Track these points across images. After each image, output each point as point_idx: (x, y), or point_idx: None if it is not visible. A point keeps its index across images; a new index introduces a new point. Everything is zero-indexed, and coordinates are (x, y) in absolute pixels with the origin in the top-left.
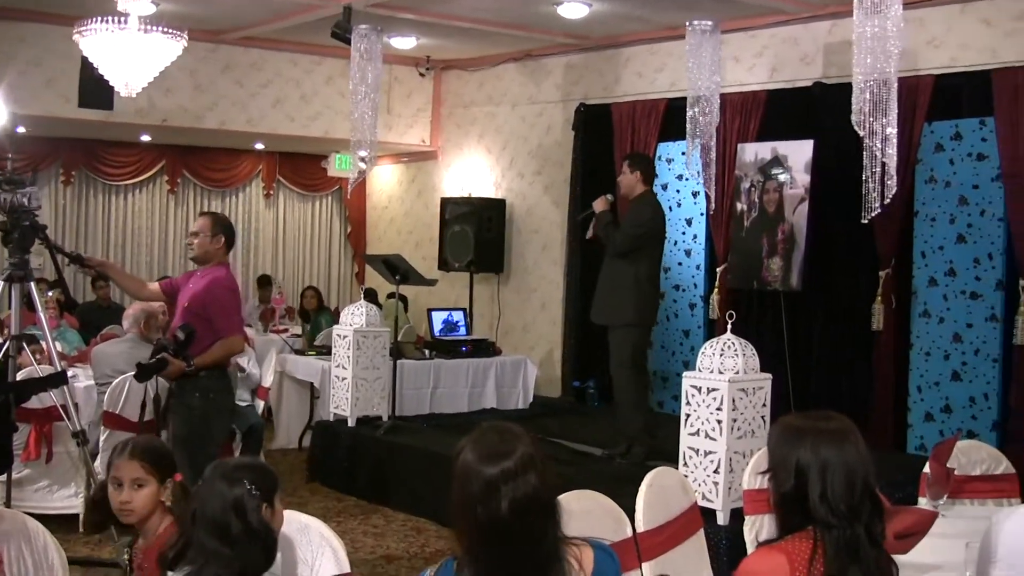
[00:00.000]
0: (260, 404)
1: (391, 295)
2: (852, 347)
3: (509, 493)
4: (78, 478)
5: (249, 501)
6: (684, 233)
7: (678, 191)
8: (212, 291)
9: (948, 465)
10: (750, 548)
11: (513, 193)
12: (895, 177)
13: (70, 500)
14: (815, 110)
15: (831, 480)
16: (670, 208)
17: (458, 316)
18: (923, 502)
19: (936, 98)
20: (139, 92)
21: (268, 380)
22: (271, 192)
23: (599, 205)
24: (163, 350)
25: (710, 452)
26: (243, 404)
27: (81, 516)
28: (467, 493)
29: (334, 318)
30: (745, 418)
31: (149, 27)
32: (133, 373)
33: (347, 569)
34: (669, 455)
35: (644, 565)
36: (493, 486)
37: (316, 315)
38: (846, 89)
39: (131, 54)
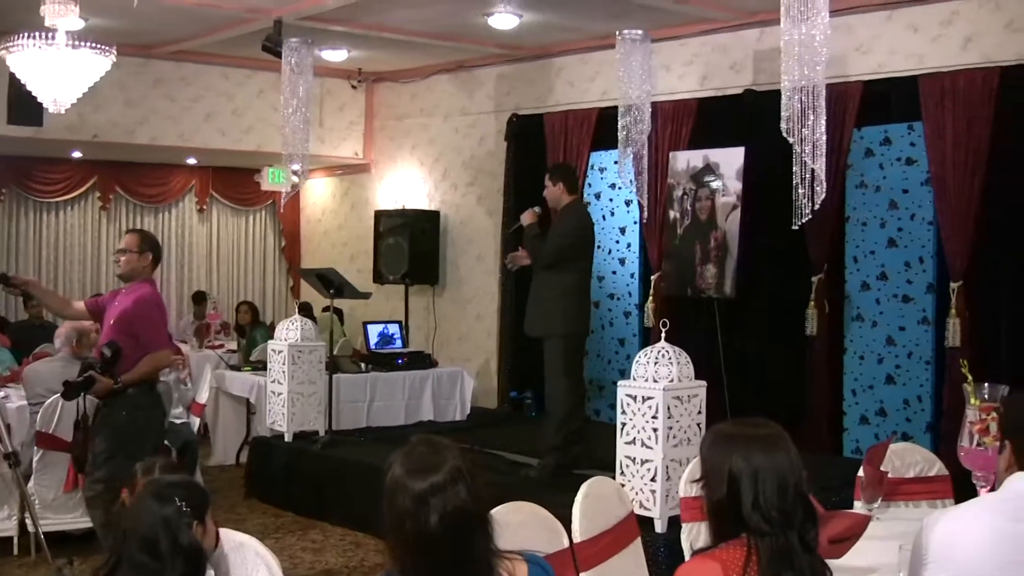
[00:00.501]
0: (195, 421)
1: (326, 309)
2: (787, 352)
3: (438, 506)
4: (11, 500)
5: (179, 519)
6: (618, 242)
7: (611, 200)
8: (138, 307)
9: (882, 468)
10: (688, 556)
11: (447, 204)
12: (825, 183)
13: (4, 523)
14: (746, 117)
15: (763, 487)
16: (603, 217)
17: (394, 329)
18: (858, 505)
19: (865, 104)
20: (69, 108)
21: (203, 396)
22: (204, 207)
23: (527, 218)
24: (90, 368)
25: (646, 460)
26: (177, 421)
27: (15, 538)
28: (397, 507)
29: (269, 333)
30: (681, 426)
31: (77, 43)
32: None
33: None
34: (605, 463)
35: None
36: (422, 500)
37: (251, 330)
38: (776, 96)
39: (59, 70)
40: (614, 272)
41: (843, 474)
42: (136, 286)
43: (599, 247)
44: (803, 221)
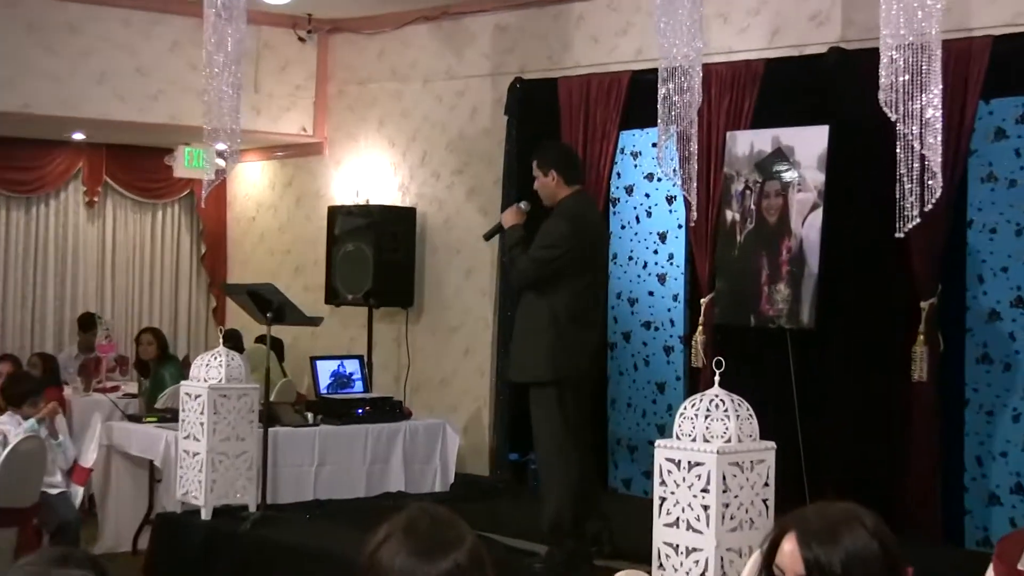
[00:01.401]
0: (77, 491)
1: (260, 339)
2: (885, 404)
3: None
4: None
5: None
6: (656, 252)
7: (647, 196)
8: None
9: (1020, 567)
10: None
11: (426, 199)
12: (938, 175)
13: None
14: (831, 86)
15: None
16: (636, 219)
17: (352, 366)
18: None
19: (995, 67)
20: None
21: (89, 458)
22: (95, 199)
23: (509, 218)
24: None
25: (695, 549)
26: (52, 492)
27: None
28: None
29: (182, 371)
30: (741, 502)
31: None
32: None
33: None
34: (638, 553)
35: None
36: None
37: (157, 367)
38: (872, 56)
39: None
40: (650, 293)
41: (963, 573)
42: None
43: (630, 259)
44: (909, 226)
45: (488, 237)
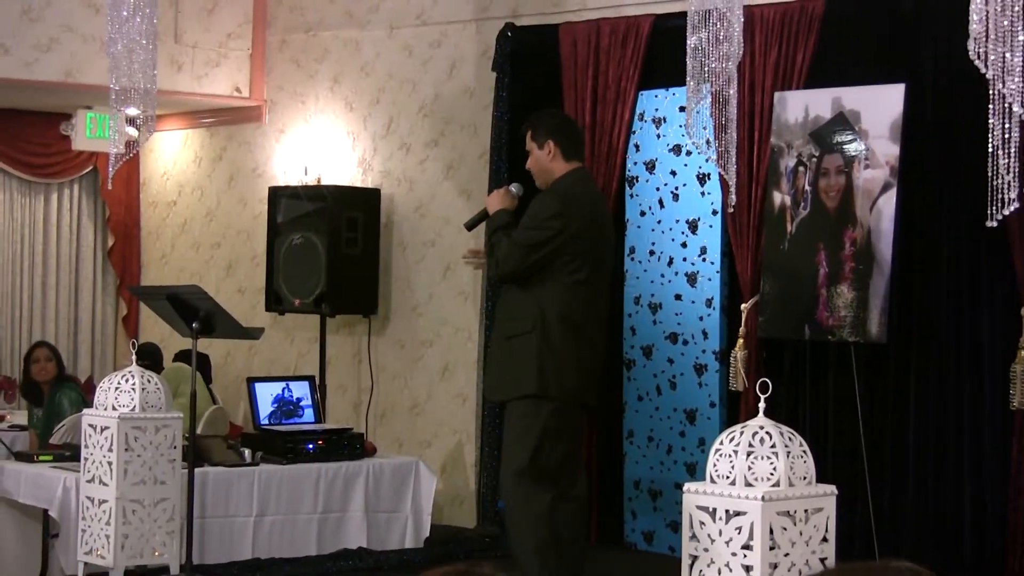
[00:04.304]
0: None
1: (181, 355)
2: (975, 438)
3: None
4: None
5: None
6: (685, 245)
7: (674, 174)
8: None
9: None
10: None
11: (393, 178)
12: None
13: None
14: (907, 34)
15: None
16: (659, 202)
17: (301, 391)
18: None
19: None
20: None
21: None
22: None
23: (496, 203)
24: None
25: None
26: None
27: None
28: None
29: (84, 397)
30: (793, 562)
31: None
32: None
33: None
34: None
35: None
36: None
37: (53, 392)
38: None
39: None
40: (678, 297)
41: None
42: None
43: (652, 254)
44: (1005, 212)
45: (471, 227)
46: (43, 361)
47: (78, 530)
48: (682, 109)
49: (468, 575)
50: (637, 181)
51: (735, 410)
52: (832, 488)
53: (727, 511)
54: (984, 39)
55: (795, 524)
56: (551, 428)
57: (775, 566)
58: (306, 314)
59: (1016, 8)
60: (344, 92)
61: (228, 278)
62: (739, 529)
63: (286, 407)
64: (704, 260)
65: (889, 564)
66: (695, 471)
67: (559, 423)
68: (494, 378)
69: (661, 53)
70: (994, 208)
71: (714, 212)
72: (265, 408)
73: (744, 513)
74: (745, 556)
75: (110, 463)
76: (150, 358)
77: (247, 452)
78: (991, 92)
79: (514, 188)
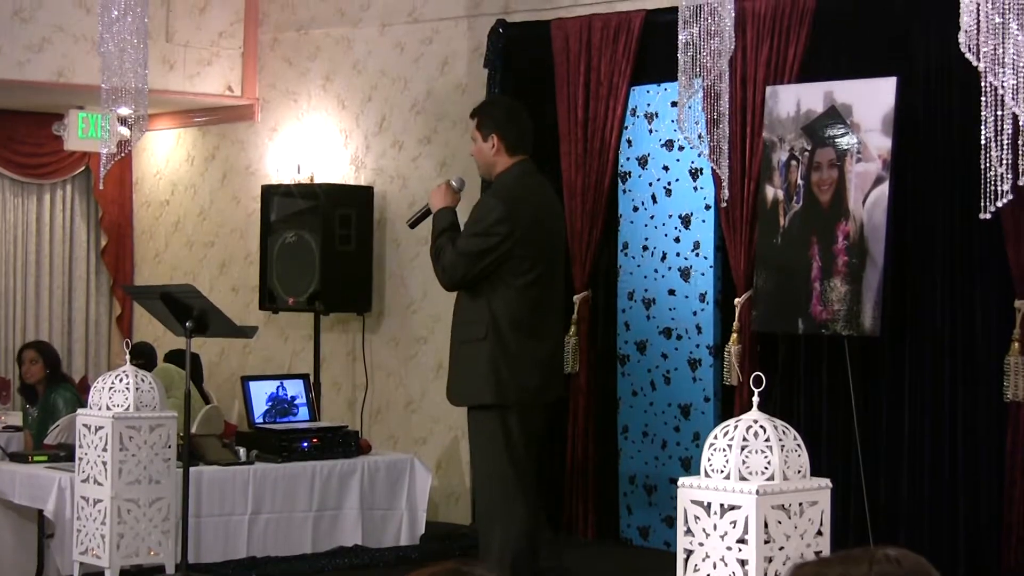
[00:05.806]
0: None
1: (172, 356)
2: (969, 430)
3: None
4: None
5: None
6: (679, 240)
7: (666, 169)
8: None
9: None
10: None
11: (386, 176)
12: None
13: None
14: (899, 27)
15: None
16: (652, 198)
17: (295, 389)
18: None
19: None
20: None
21: None
22: None
23: (438, 199)
24: None
25: None
26: None
27: None
28: None
29: (78, 397)
30: (788, 556)
31: None
32: None
33: None
34: None
35: None
36: None
37: (47, 392)
38: None
39: None
40: (671, 292)
41: None
42: None
43: (645, 249)
44: (998, 205)
45: (413, 224)
46: (28, 363)
47: (73, 530)
48: (674, 104)
49: (458, 574)
50: (630, 177)
51: (729, 404)
52: (827, 481)
53: (722, 505)
54: (975, 32)
55: (790, 518)
56: (512, 430)
57: (770, 560)
58: (300, 312)
59: (1007, 1)
60: (336, 90)
61: (222, 277)
62: (734, 523)
63: (280, 405)
64: (697, 255)
65: (870, 551)
66: (690, 466)
67: (521, 424)
68: (453, 382)
69: (653, 48)
70: (987, 200)
71: (707, 207)
72: (259, 406)
73: (739, 507)
74: (740, 550)
75: (105, 463)
76: (144, 357)
77: (242, 451)
78: (983, 84)
79: (455, 182)
